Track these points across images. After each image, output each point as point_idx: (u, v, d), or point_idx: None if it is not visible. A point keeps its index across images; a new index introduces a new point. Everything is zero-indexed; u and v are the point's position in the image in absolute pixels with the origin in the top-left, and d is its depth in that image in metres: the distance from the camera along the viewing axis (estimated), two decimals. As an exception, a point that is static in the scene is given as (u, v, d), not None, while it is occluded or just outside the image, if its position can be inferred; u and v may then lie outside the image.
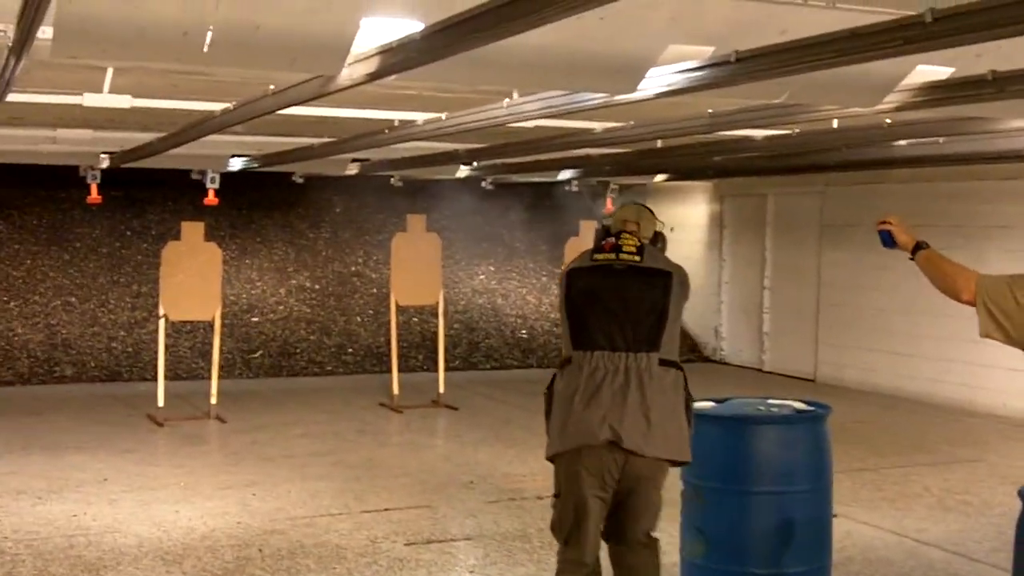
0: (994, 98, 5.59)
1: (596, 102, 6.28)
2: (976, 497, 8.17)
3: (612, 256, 4.90)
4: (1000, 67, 5.39)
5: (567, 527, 4.89)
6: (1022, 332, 4.24)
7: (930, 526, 7.39)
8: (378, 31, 5.03)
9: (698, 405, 5.35)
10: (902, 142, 9.45)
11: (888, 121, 7.89)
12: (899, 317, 13.07)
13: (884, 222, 4.61)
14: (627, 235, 4.97)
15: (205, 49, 4.92)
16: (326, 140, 10.17)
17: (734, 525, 5.10)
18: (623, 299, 4.84)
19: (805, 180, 14.06)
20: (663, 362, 4.80)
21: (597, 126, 8.83)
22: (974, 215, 12.23)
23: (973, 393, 12.04)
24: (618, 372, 4.75)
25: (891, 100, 6.01)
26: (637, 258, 4.89)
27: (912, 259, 4.53)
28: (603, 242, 4.97)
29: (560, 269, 14.10)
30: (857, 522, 7.33)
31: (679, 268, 4.98)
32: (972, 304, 4.27)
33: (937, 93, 5.77)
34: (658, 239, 5.18)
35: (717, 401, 5.55)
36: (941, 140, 9.09)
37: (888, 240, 4.58)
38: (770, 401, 5.53)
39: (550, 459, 4.98)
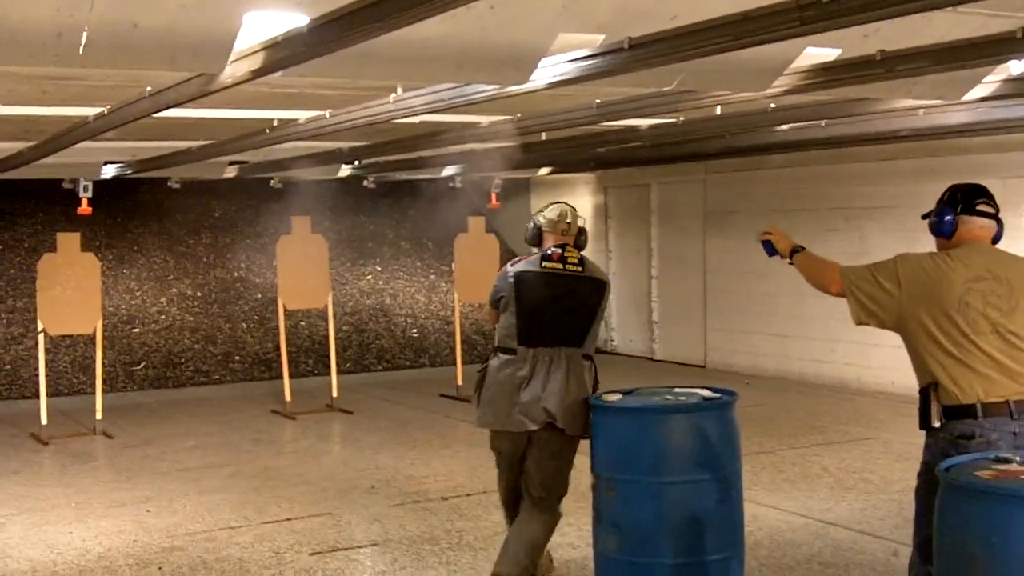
0: (883, 78, 5.63)
1: (486, 95, 6.18)
2: (874, 475, 8.27)
3: (559, 266, 5.69)
4: (887, 47, 5.43)
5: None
6: (891, 314, 4.40)
7: (833, 506, 7.45)
8: (262, 26, 4.86)
9: (607, 397, 5.35)
10: (784, 127, 9.53)
11: (772, 106, 7.94)
12: (785, 300, 13.23)
13: (766, 233, 5.01)
14: (570, 248, 5.76)
15: (80, 51, 4.72)
16: (204, 143, 9.92)
17: (647, 516, 5.05)
18: (566, 303, 5.64)
19: (686, 169, 14.16)
20: (584, 356, 5.69)
21: (483, 120, 8.74)
22: (854, 197, 12.43)
23: (860, 372, 12.24)
24: (551, 363, 5.58)
25: (780, 83, 6.03)
26: (579, 269, 5.72)
27: (791, 263, 4.91)
28: (551, 252, 5.72)
29: (449, 267, 14.09)
30: (762, 505, 7.37)
31: (606, 276, 5.93)
32: (842, 295, 4.57)
33: (827, 75, 5.79)
34: (581, 234, 5.93)
35: (624, 392, 5.50)
36: (823, 123, 9.18)
37: (771, 249, 4.99)
38: (677, 390, 5.50)
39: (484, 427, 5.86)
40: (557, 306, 5.63)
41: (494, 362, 5.72)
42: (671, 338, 15.26)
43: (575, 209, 5.95)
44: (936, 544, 3.67)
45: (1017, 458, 3.82)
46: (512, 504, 5.90)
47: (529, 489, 5.72)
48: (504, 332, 5.72)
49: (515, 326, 5.65)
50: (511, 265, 5.79)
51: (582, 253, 5.80)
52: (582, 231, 5.90)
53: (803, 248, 4.90)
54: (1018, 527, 3.36)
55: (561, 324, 5.62)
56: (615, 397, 5.39)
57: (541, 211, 5.98)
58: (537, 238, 5.89)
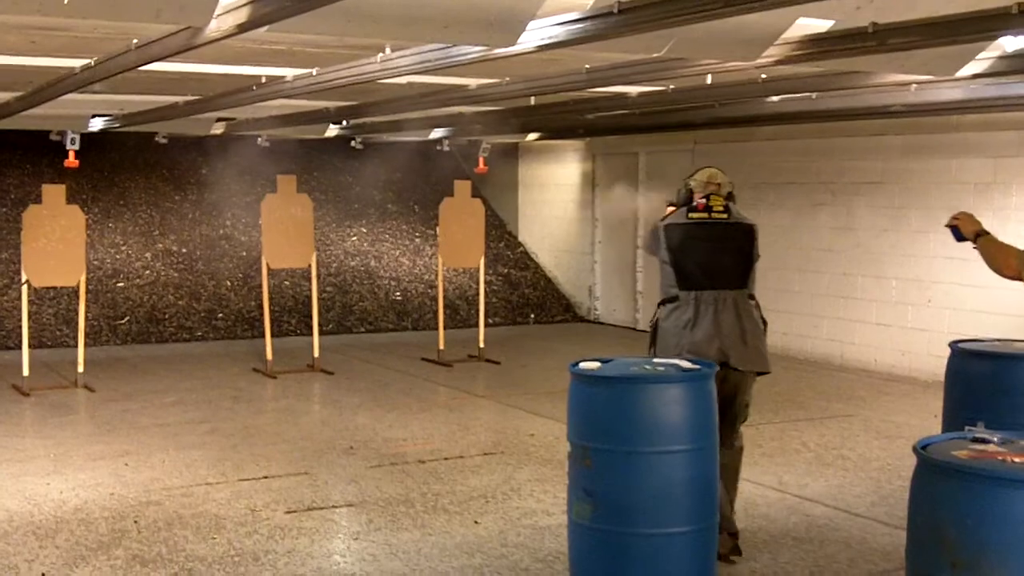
0: (875, 51, 5.59)
1: (473, 56, 6.13)
2: (853, 452, 8.27)
3: (705, 215, 6.01)
4: (879, 20, 5.39)
5: None
6: None
7: (810, 481, 7.45)
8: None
9: (584, 365, 5.31)
10: (774, 98, 9.48)
11: (763, 76, 7.90)
12: (770, 274, 13.18)
13: (953, 218, 5.17)
14: (715, 196, 6.03)
15: (66, 0, 4.66)
16: (191, 98, 9.84)
17: (622, 486, 5.01)
18: (717, 248, 5.98)
19: (675, 138, 14.10)
20: (749, 295, 6.03)
21: (472, 82, 8.68)
22: (842, 171, 12.40)
23: (844, 348, 12.25)
24: (717, 305, 5.88)
25: (771, 54, 5.98)
26: (725, 215, 6.04)
27: (975, 246, 5.05)
28: (696, 203, 6.02)
29: (435, 231, 14.02)
30: (738, 478, 7.35)
31: (753, 221, 6.18)
32: (1015, 279, 4.71)
33: (818, 46, 5.75)
34: (730, 196, 6.16)
35: (603, 361, 5.47)
36: (814, 96, 9.14)
37: (958, 235, 5.14)
38: (656, 360, 5.47)
39: None
40: (710, 251, 5.96)
41: (661, 313, 6.05)
42: (654, 309, 15.20)
43: (724, 172, 6.19)
44: (909, 521, 3.66)
45: (995, 438, 3.81)
46: None
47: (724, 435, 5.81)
48: (666, 283, 6.04)
49: (673, 275, 5.97)
50: (660, 221, 6.14)
51: (728, 203, 6.05)
52: (731, 194, 6.14)
53: (986, 233, 5.01)
54: (993, 508, 3.35)
55: (717, 268, 5.93)
56: (593, 366, 5.36)
57: (692, 175, 6.23)
58: (688, 199, 6.14)
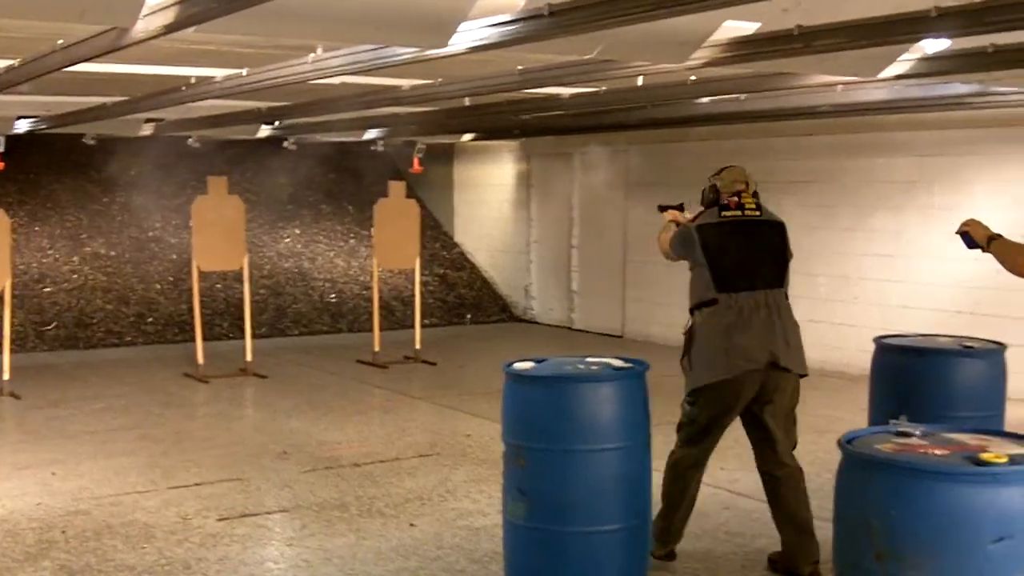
0: (801, 53, 5.66)
1: (405, 57, 6.12)
2: (784, 446, 8.34)
3: (738, 213, 5.81)
4: (805, 22, 5.46)
5: (698, 434, 5.77)
6: None
7: (742, 477, 7.50)
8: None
9: (518, 366, 5.33)
10: (704, 99, 9.56)
11: (693, 78, 7.96)
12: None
13: (964, 225, 5.21)
14: (746, 195, 5.86)
15: (-14, 0, 4.60)
16: (119, 99, 9.73)
17: (555, 485, 5.05)
18: (753, 247, 5.79)
19: (609, 139, 14.19)
20: (785, 295, 5.84)
21: (405, 83, 8.66)
22: (771, 171, 12.49)
23: (775, 344, 12.35)
24: (759, 306, 5.66)
25: (700, 56, 6.03)
26: (758, 213, 5.86)
27: (988, 251, 5.06)
28: (728, 201, 5.83)
29: (369, 232, 13.99)
30: (671, 475, 7.40)
31: (781, 219, 5.99)
32: None
33: (745, 48, 5.81)
34: (756, 195, 6.01)
35: (536, 361, 5.49)
36: (742, 97, 9.23)
37: (969, 241, 5.17)
38: (589, 359, 5.51)
39: (700, 388, 5.71)
40: (747, 250, 5.76)
41: (697, 319, 5.77)
42: (590, 307, 15.31)
43: (747, 171, 6.05)
44: (835, 514, 3.72)
45: (917, 431, 3.88)
46: (693, 482, 5.88)
47: (774, 448, 5.95)
48: (700, 286, 5.78)
49: (709, 277, 5.71)
50: (691, 222, 5.92)
51: (757, 200, 5.89)
52: (756, 192, 5.97)
53: (999, 236, 5.02)
54: (915, 499, 3.41)
55: (756, 267, 5.73)
56: (526, 366, 5.38)
57: (717, 174, 6.03)
58: (715, 199, 5.95)
